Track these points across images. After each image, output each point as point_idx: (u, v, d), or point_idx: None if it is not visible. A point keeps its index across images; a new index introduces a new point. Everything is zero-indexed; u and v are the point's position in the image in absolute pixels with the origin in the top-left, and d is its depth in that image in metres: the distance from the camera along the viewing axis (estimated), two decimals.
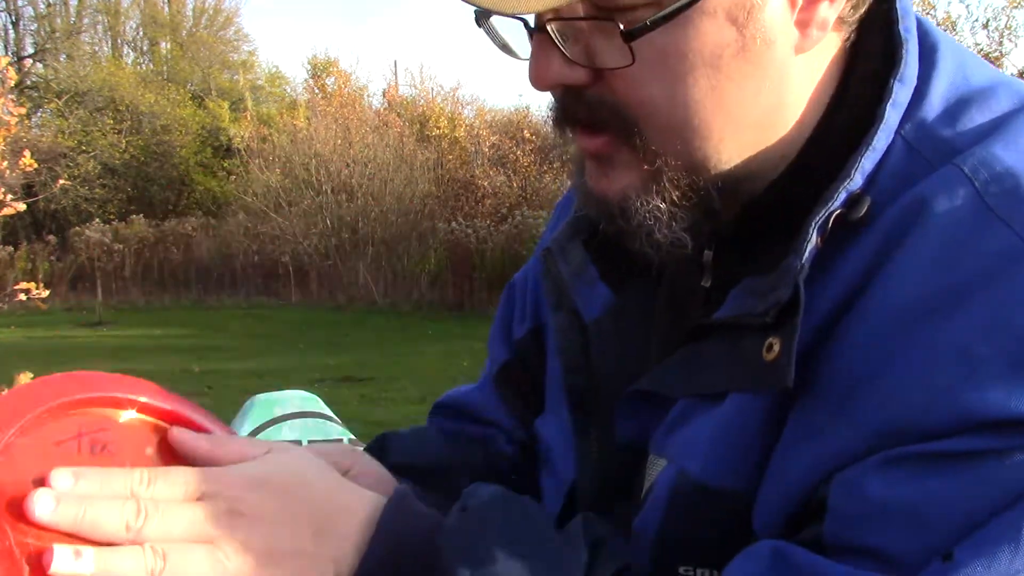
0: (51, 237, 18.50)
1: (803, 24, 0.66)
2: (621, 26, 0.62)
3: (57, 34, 26.52)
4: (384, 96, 20.02)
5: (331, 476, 0.71)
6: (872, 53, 0.70)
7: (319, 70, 22.21)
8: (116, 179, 22.05)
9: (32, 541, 0.61)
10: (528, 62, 0.68)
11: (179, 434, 0.70)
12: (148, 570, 0.61)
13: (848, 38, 0.70)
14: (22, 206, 3.80)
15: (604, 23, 0.64)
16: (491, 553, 0.64)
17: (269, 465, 0.68)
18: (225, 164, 21.64)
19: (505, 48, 0.72)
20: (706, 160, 0.68)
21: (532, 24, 0.68)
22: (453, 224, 15.03)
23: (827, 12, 0.66)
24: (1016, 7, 12.25)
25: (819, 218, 0.64)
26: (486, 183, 16.07)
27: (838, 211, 0.64)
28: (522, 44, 0.71)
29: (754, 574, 0.61)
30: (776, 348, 0.63)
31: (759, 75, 0.66)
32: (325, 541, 0.66)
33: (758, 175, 0.70)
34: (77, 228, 18.78)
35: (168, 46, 28.29)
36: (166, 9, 28.63)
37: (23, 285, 3.91)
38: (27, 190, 14.24)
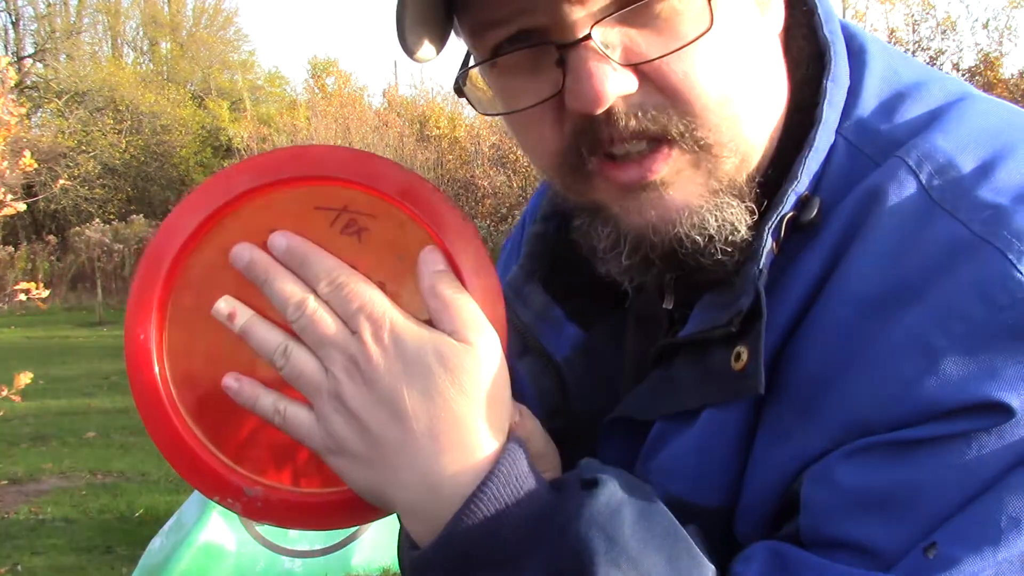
0: (51, 237, 18.49)
1: (763, 9, 0.68)
2: None
3: (57, 34, 26.51)
4: (384, 96, 20.01)
5: (476, 402, 0.64)
6: (800, 58, 0.71)
7: (319, 70, 22.21)
8: (116, 179, 22.04)
9: (230, 280, 0.69)
10: (568, 87, 0.62)
11: (426, 258, 0.68)
12: (271, 358, 0.67)
13: (782, 38, 0.71)
14: (22, 206, 3.81)
15: (644, 14, 0.62)
16: (625, 531, 0.61)
17: (427, 348, 0.64)
18: (225, 164, 21.63)
19: (492, 107, 0.70)
20: (754, 145, 0.67)
21: (561, 42, 0.62)
22: None
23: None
24: (1016, 7, 12.25)
25: (771, 223, 0.64)
26: (486, 183, 16.06)
27: (790, 214, 0.65)
28: (513, 97, 0.67)
29: (756, 574, 0.61)
30: (744, 356, 0.64)
31: (770, 49, 0.68)
32: (399, 454, 0.63)
33: (764, 164, 0.69)
34: (77, 228, 18.79)
35: (168, 46, 28.29)
36: (166, 9, 28.62)
37: (23, 285, 3.91)
38: (27, 190, 14.24)
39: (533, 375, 0.81)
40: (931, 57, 12.51)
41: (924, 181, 0.63)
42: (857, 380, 0.61)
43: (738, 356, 0.64)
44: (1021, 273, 0.58)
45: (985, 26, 12.64)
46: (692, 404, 0.68)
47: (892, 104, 0.69)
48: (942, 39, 12.63)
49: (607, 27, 0.62)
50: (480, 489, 0.62)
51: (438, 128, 17.43)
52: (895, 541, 0.58)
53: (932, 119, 0.67)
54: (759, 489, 0.65)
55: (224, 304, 0.69)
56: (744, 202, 0.66)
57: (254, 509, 0.71)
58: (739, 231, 0.65)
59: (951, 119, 0.66)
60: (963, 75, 12.21)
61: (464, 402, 0.63)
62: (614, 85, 0.61)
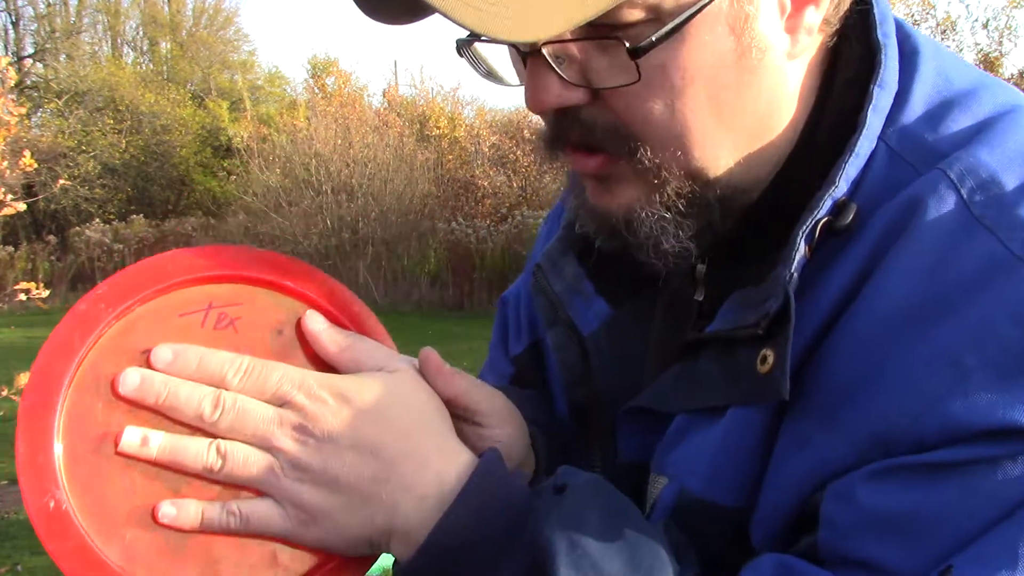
0: (51, 237, 18.48)
1: (792, 30, 0.67)
2: (627, 44, 0.62)
3: (57, 34, 26.51)
4: (384, 96, 20.00)
5: (429, 417, 0.68)
6: (851, 59, 0.70)
7: (319, 70, 22.20)
8: (116, 179, 22.02)
9: (117, 420, 0.65)
10: (523, 86, 0.68)
11: (309, 321, 0.70)
12: (206, 466, 0.64)
13: (829, 43, 0.70)
14: (22, 206, 3.80)
15: (604, 42, 0.63)
16: (590, 538, 0.62)
17: (366, 387, 0.66)
18: (225, 164, 21.62)
19: (490, 75, 0.72)
20: (706, 169, 0.67)
21: (523, 48, 0.66)
22: (453, 224, 15.02)
23: (813, 17, 0.66)
24: (1016, 7, 12.25)
25: (806, 227, 0.64)
26: (486, 183, 16.04)
27: (825, 219, 0.65)
28: (508, 69, 0.71)
29: None
30: (770, 360, 0.64)
31: (755, 83, 0.66)
32: (386, 484, 0.65)
33: (753, 183, 0.70)
34: (77, 228, 18.77)
35: (168, 46, 28.28)
36: (166, 9, 28.61)
37: (23, 285, 3.91)
38: (27, 190, 14.24)
39: (558, 346, 0.83)
40: None
41: (965, 196, 0.62)
42: (884, 393, 0.60)
43: (764, 359, 0.64)
44: None
45: (985, 26, 12.64)
46: (716, 401, 0.69)
47: (939, 112, 0.68)
48: (942, 39, 12.62)
49: (568, 45, 0.64)
50: (464, 492, 0.64)
51: (438, 128, 17.41)
52: (912, 564, 0.58)
53: (978, 131, 0.66)
54: (776, 494, 0.65)
55: (131, 434, 0.65)
56: (680, 218, 0.68)
57: None
58: (663, 244, 0.69)
59: (997, 132, 0.65)
60: None
61: (421, 419, 0.67)
62: (557, 95, 0.65)
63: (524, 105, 0.69)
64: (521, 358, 0.95)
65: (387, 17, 0.69)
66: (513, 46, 0.67)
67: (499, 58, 0.73)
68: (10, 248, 17.96)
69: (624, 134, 0.66)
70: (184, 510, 0.65)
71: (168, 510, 0.65)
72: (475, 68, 0.72)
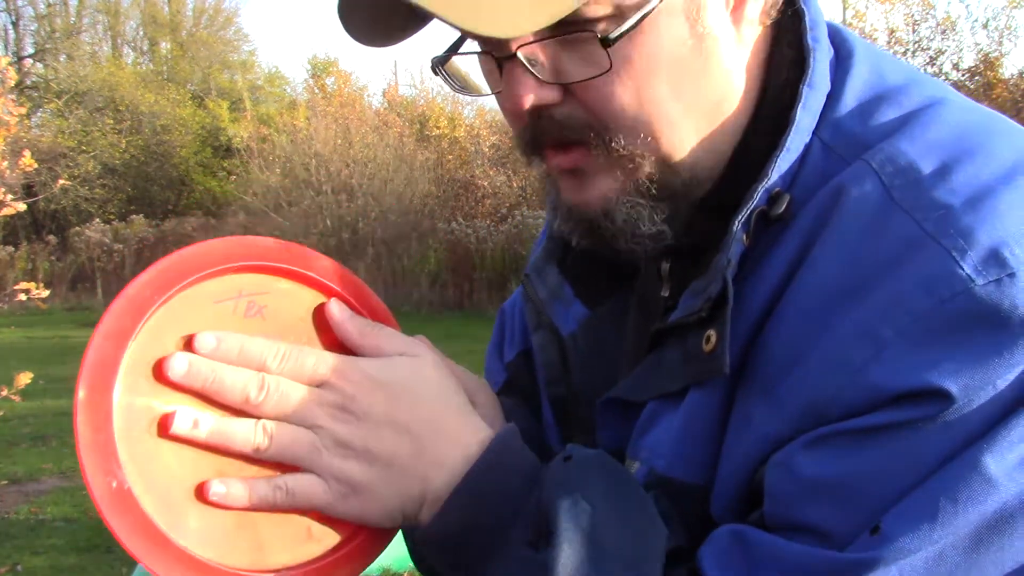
0: (51, 237, 18.50)
1: (737, 21, 0.73)
2: (599, 34, 0.67)
3: (57, 34, 26.52)
4: (384, 96, 20.01)
5: (451, 397, 0.75)
6: (783, 64, 0.75)
7: (319, 70, 22.22)
8: (116, 179, 22.04)
9: (162, 402, 0.69)
10: (499, 94, 0.73)
11: (333, 309, 0.75)
12: (253, 446, 0.69)
13: (766, 45, 0.76)
14: (22, 206, 3.80)
15: (572, 40, 0.68)
16: (591, 499, 0.68)
17: (394, 370, 0.73)
18: (225, 164, 21.64)
19: (464, 88, 0.78)
20: (673, 152, 0.72)
21: (497, 55, 0.71)
22: (453, 224, 15.03)
23: (754, 8, 0.73)
24: (1016, 7, 12.25)
25: (742, 216, 0.69)
26: (486, 183, 16.06)
27: (759, 209, 0.69)
28: (480, 82, 0.76)
29: (715, 555, 0.66)
30: (712, 339, 0.69)
31: (710, 70, 0.72)
32: (421, 458, 0.71)
33: (709, 172, 0.75)
34: (77, 228, 18.78)
35: (168, 46, 28.30)
36: (166, 9, 28.63)
37: (23, 285, 3.91)
38: (27, 190, 14.24)
39: (541, 347, 0.90)
40: (931, 57, 12.52)
41: (886, 182, 0.67)
42: (814, 367, 0.65)
43: (708, 339, 0.69)
44: (963, 269, 0.61)
45: (985, 26, 12.64)
46: (675, 386, 0.74)
47: (869, 107, 0.73)
48: (942, 39, 12.63)
49: (535, 48, 0.69)
50: (483, 458, 0.71)
51: (438, 128, 17.43)
52: (846, 525, 0.62)
53: (903, 123, 0.71)
54: (728, 469, 0.70)
55: (182, 416, 0.68)
56: (654, 203, 0.73)
57: None
58: (641, 228, 0.73)
59: (920, 123, 0.70)
60: (963, 75, 12.21)
61: (445, 398, 0.74)
62: (535, 96, 0.70)
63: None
64: (513, 364, 0.99)
65: (382, 37, 0.75)
66: (487, 52, 0.72)
67: (471, 72, 0.78)
68: (10, 248, 17.97)
69: (597, 126, 0.71)
70: (234, 488, 0.69)
71: (218, 488, 0.69)
72: (450, 83, 0.77)
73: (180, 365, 0.69)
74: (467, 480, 0.70)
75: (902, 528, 0.60)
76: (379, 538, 0.74)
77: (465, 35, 0.72)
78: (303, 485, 0.70)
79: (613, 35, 0.67)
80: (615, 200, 0.73)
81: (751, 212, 0.69)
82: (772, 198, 0.70)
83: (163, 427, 0.68)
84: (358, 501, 0.71)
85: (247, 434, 0.69)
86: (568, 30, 0.67)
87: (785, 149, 0.71)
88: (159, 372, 0.69)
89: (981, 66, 12.22)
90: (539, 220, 13.94)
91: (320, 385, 0.71)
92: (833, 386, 0.64)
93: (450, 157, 16.88)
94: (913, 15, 12.68)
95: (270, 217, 16.02)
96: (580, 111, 0.71)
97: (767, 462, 0.67)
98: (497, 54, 0.70)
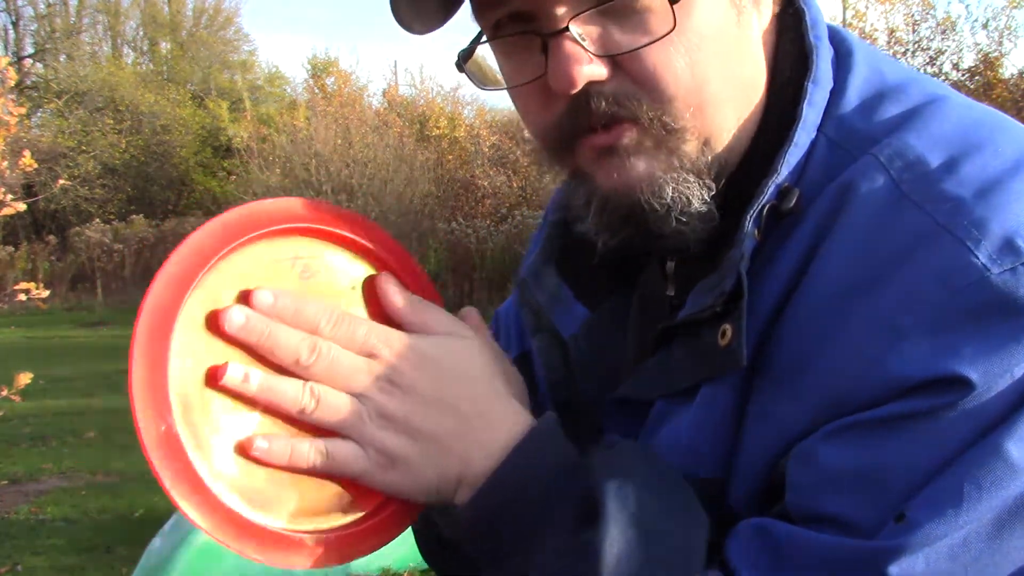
0: (51, 237, 18.50)
1: (756, 3, 0.74)
2: None
3: (57, 34, 26.52)
4: (384, 96, 20.00)
5: (496, 380, 0.75)
6: (785, 60, 0.76)
7: (319, 70, 22.21)
8: (116, 179, 22.03)
9: (213, 353, 0.69)
10: (536, 79, 0.71)
11: (384, 282, 0.75)
12: (300, 407, 0.69)
13: (771, 40, 0.77)
14: (22, 206, 3.81)
15: (619, 10, 0.68)
16: (637, 485, 0.67)
17: (443, 348, 0.73)
18: (225, 164, 21.63)
19: (487, 83, 0.76)
20: (716, 132, 0.72)
21: (545, 32, 0.69)
22: (453, 224, 15.02)
23: None
24: (1016, 7, 12.25)
25: (753, 211, 0.70)
26: (486, 183, 16.05)
27: (770, 204, 0.70)
28: (515, 67, 0.74)
29: (741, 549, 0.66)
30: (728, 333, 0.69)
31: (745, 46, 0.73)
32: (463, 439, 0.71)
33: (734, 156, 0.75)
34: (77, 228, 18.78)
35: (168, 46, 28.29)
36: (166, 9, 28.62)
37: (23, 285, 3.91)
38: (27, 190, 14.24)
39: (543, 350, 0.88)
40: (931, 57, 12.51)
41: (895, 176, 0.68)
42: (830, 360, 0.66)
43: (723, 333, 0.70)
44: (977, 259, 0.62)
45: (985, 26, 12.64)
46: (686, 383, 0.74)
47: (872, 104, 0.74)
48: (942, 39, 12.63)
49: (584, 21, 0.68)
50: (526, 439, 0.71)
51: (438, 128, 17.42)
52: (871, 514, 0.63)
53: (906, 119, 0.72)
54: (746, 462, 0.70)
55: (234, 369, 0.68)
56: (701, 179, 0.72)
57: (318, 556, 0.71)
58: (692, 204, 0.72)
59: (924, 119, 0.71)
60: (963, 75, 12.21)
61: (491, 381, 0.74)
62: (587, 71, 0.68)
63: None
64: None
65: (426, 20, 0.73)
66: (531, 32, 0.70)
67: (495, 67, 0.77)
68: (10, 248, 17.96)
69: (648, 98, 0.70)
70: (276, 444, 0.69)
71: (261, 443, 0.69)
72: (474, 80, 0.77)
73: (238, 317, 0.69)
74: (508, 462, 0.70)
75: (928, 515, 0.61)
76: (404, 515, 0.75)
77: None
78: (343, 451, 0.70)
79: None
80: (662, 176, 0.71)
81: (762, 207, 0.70)
82: (782, 193, 0.70)
83: (212, 378, 0.68)
84: (396, 473, 0.71)
85: (295, 394, 0.69)
86: None
87: (793, 144, 0.71)
88: (213, 323, 0.69)
89: (981, 66, 12.21)
90: (539, 220, 13.87)
91: (369, 355, 0.71)
92: (852, 377, 0.64)
93: (450, 157, 16.87)
94: (913, 15, 12.67)
95: None
96: (629, 84, 0.70)
97: (788, 454, 0.67)
98: (545, 31, 0.69)
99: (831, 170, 0.71)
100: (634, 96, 0.70)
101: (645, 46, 0.68)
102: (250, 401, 0.69)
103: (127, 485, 5.80)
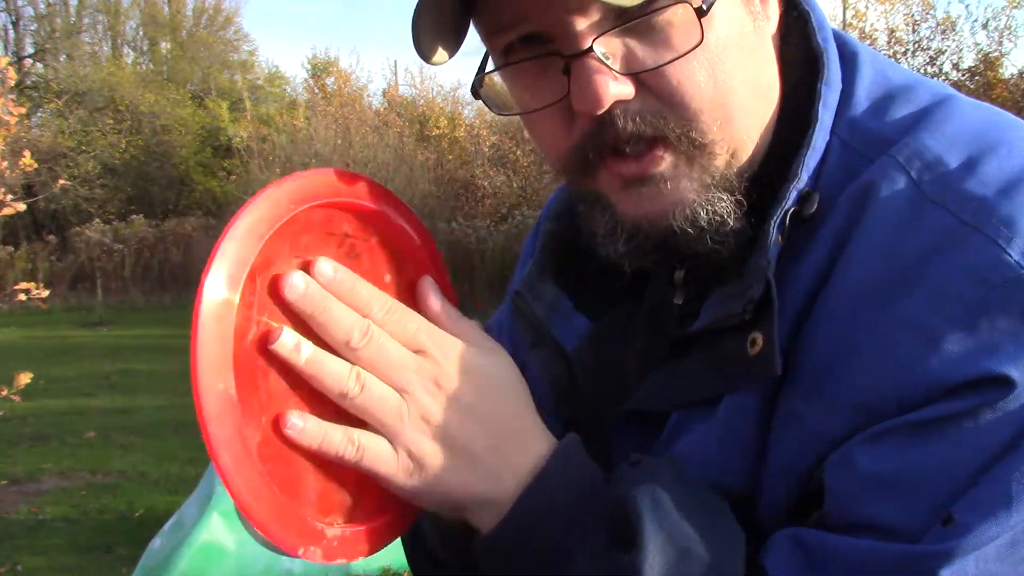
0: (51, 237, 18.48)
1: (764, 3, 0.74)
2: (692, 5, 0.66)
3: (57, 34, 26.51)
4: (384, 96, 20.00)
5: (528, 401, 0.74)
6: (794, 63, 0.76)
7: (319, 70, 22.20)
8: (116, 179, 22.01)
9: (266, 318, 0.66)
10: (569, 94, 0.68)
11: (427, 285, 0.74)
12: (343, 390, 0.66)
13: (777, 43, 0.76)
14: (22, 206, 3.81)
15: (642, 28, 0.67)
16: (670, 502, 0.66)
17: (488, 360, 0.72)
18: (225, 164, 21.61)
19: (507, 109, 0.74)
20: (743, 142, 0.72)
21: (568, 53, 0.68)
22: (453, 224, 15.02)
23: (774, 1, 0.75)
24: (1016, 7, 12.24)
25: (777, 217, 0.69)
26: (486, 183, 16.04)
27: (793, 209, 0.69)
28: (533, 93, 0.71)
29: (778, 562, 0.65)
30: (760, 341, 0.68)
31: (761, 53, 0.73)
32: (494, 456, 0.70)
33: (756, 162, 0.74)
34: (77, 228, 18.77)
35: (168, 46, 28.27)
36: (166, 9, 28.61)
37: (23, 285, 3.91)
38: (27, 190, 14.24)
39: (545, 364, 0.86)
40: (931, 57, 12.50)
41: (915, 177, 0.68)
42: (860, 364, 0.65)
43: (754, 342, 0.68)
44: (1011, 256, 0.62)
45: (985, 26, 12.63)
46: (707, 393, 0.72)
47: (882, 105, 0.74)
48: (942, 39, 12.62)
49: (608, 39, 0.67)
50: (553, 459, 0.70)
51: (438, 128, 17.42)
52: (914, 519, 0.62)
53: (919, 119, 0.72)
54: (777, 470, 0.68)
55: (288, 336, 0.65)
56: (733, 195, 0.71)
57: (332, 550, 0.69)
58: (728, 222, 0.71)
59: (936, 118, 0.71)
60: (963, 75, 12.20)
61: (523, 401, 0.73)
62: (613, 91, 0.67)
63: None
64: None
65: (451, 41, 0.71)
66: (554, 54, 0.69)
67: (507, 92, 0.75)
68: (10, 248, 17.96)
69: (675, 115, 0.69)
70: (310, 425, 0.66)
71: (296, 421, 0.66)
72: (491, 105, 0.75)
73: (299, 284, 0.66)
74: (538, 483, 0.69)
75: (977, 516, 0.60)
76: (403, 524, 0.73)
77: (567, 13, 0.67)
78: (375, 448, 0.67)
79: (705, 4, 0.66)
80: (696, 198, 0.70)
81: (785, 212, 0.69)
82: (802, 198, 0.70)
83: (261, 341, 0.65)
84: (420, 480, 0.68)
85: (341, 374, 0.66)
86: (655, 6, 0.66)
87: (811, 148, 0.71)
88: (271, 286, 0.66)
89: (981, 66, 12.20)
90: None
91: (417, 351, 0.68)
92: (887, 381, 0.63)
93: (450, 157, 16.87)
94: (913, 15, 12.67)
95: None
96: (653, 102, 0.68)
97: (823, 463, 0.66)
98: (567, 52, 0.68)
99: (847, 172, 0.70)
100: (660, 113, 0.68)
101: (670, 62, 0.67)
102: (294, 378, 0.66)
103: (127, 485, 5.80)
